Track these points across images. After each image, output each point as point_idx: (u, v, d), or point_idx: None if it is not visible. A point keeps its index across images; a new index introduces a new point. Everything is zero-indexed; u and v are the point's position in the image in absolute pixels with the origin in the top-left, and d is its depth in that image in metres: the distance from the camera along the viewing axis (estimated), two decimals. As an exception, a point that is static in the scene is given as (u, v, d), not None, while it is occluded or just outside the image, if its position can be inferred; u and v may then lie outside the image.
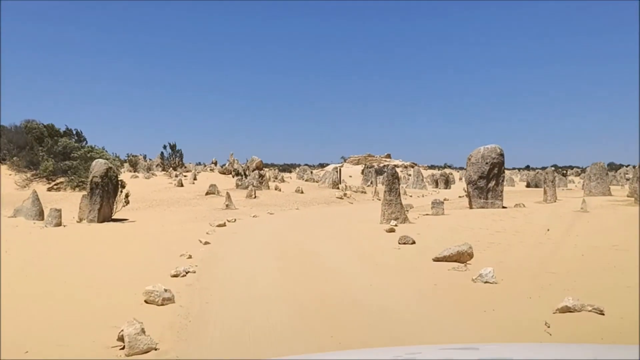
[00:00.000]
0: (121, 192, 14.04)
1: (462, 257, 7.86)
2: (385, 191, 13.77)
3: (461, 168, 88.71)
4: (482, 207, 15.98)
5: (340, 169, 30.81)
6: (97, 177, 13.77)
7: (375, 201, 23.76)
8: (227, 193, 17.46)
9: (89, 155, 21.98)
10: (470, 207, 16.48)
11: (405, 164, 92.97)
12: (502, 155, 16.28)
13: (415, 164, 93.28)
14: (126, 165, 29.88)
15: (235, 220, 13.53)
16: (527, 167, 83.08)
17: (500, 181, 16.31)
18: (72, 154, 21.56)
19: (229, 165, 29.82)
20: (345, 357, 2.12)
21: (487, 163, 16.08)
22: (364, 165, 76.77)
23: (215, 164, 33.21)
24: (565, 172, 67.92)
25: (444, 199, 21.41)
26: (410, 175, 69.10)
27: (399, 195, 13.77)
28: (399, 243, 9.84)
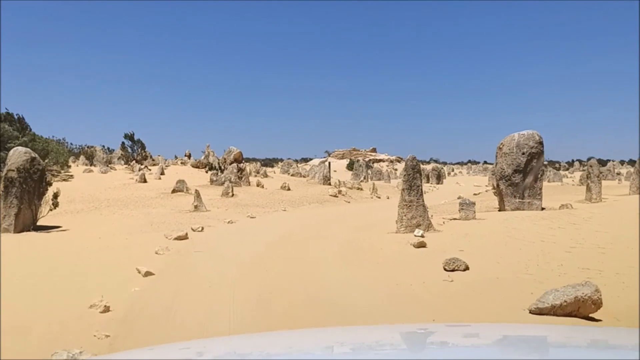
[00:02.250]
0: (46, 190, 10.35)
1: (583, 308, 4.55)
2: (403, 189, 10.43)
3: (445, 162, 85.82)
4: (518, 209, 12.75)
5: (329, 163, 27.44)
6: (13, 170, 10.11)
7: (375, 199, 20.44)
8: (196, 191, 13.88)
9: (29, 145, 18.13)
10: (501, 209, 13.26)
11: (391, 158, 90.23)
12: (541, 143, 13.05)
13: (402, 159, 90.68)
14: (82, 158, 25.95)
15: (202, 228, 10.02)
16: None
17: (540, 176, 13.09)
18: (9, 144, 17.69)
19: (203, 158, 26.13)
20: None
21: (523, 153, 12.84)
22: (348, 160, 73.67)
23: (189, 156, 29.36)
24: (557, 166, 65.72)
25: (458, 197, 18.21)
26: (396, 170, 66.22)
27: (422, 194, 10.45)
28: (446, 270, 6.50)
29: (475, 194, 19.08)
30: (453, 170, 68.64)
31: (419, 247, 8.20)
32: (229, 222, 11.48)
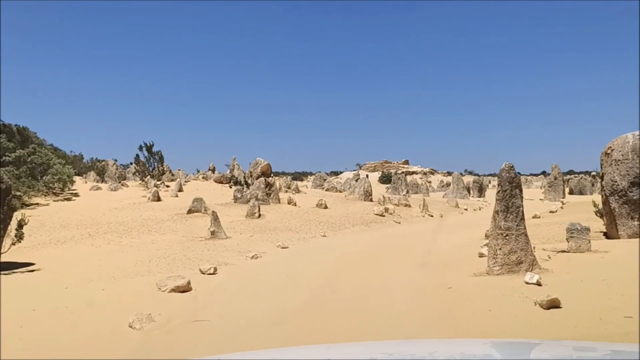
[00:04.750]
0: (9, 217, 7.70)
1: None
2: (497, 211, 7.37)
3: (479, 174, 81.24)
4: (637, 234, 9.50)
5: (367, 176, 24.47)
6: (-36, 191, 7.54)
7: (427, 218, 17.32)
8: (214, 213, 11.10)
9: (29, 158, 15.84)
10: (610, 234, 10.02)
11: (425, 170, 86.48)
12: (664, 146, 9.78)
13: (435, 171, 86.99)
14: (92, 173, 23.62)
15: (215, 270, 7.18)
16: (544, 173, 75.60)
17: (664, 190, 9.80)
18: (5, 158, 15.41)
19: (228, 172, 23.54)
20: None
21: (643, 160, 9.61)
22: (380, 172, 70.68)
23: (213, 170, 26.87)
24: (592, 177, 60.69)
25: (534, 216, 14.91)
26: (430, 182, 62.58)
27: (523, 218, 7.37)
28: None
29: (551, 212, 15.73)
30: (490, 182, 64.81)
31: (549, 307, 5.14)
32: (252, 256, 8.62)
